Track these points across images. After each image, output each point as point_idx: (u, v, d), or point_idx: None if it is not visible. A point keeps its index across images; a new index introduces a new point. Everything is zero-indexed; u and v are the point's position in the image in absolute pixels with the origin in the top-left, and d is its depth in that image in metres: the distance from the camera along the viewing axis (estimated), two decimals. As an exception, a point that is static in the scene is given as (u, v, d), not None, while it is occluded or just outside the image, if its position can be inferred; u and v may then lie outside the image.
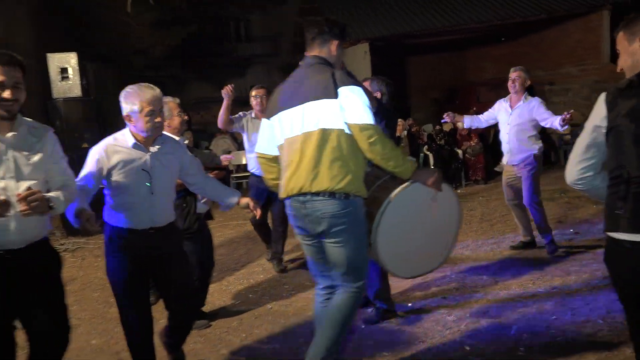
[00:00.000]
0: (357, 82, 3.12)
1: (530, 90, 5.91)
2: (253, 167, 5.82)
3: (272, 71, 25.84)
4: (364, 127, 2.96)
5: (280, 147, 3.25)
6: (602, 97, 2.31)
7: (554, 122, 5.41)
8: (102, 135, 9.28)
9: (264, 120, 3.39)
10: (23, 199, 2.41)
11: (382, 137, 2.99)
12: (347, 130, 3.01)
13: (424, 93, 17.71)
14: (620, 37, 2.40)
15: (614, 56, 13.24)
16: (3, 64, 2.56)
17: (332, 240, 3.07)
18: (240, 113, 5.97)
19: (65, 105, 8.14)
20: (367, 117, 2.97)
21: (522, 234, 6.06)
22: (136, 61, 14.75)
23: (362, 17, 15.22)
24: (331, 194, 2.98)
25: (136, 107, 3.12)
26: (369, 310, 4.49)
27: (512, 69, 5.82)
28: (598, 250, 5.49)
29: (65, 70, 8.07)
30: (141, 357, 3.38)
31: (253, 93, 5.83)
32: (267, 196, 5.43)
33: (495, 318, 4.27)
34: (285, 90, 3.28)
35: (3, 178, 2.61)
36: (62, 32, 10.70)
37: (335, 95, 3.00)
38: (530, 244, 5.99)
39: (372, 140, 2.95)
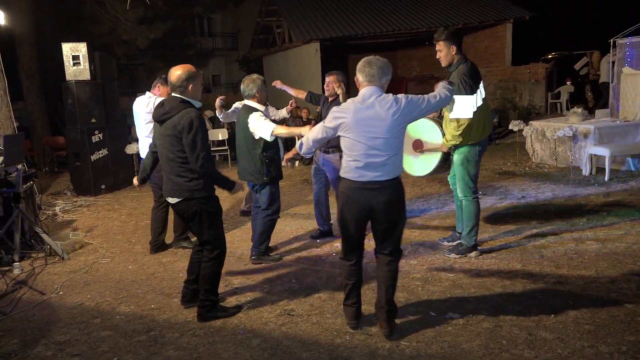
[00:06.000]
0: None
1: None
2: None
3: (231, 64, 25.97)
4: None
5: None
6: None
7: None
8: (106, 113, 9.49)
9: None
10: None
11: None
12: None
13: (362, 85, 18.57)
14: None
15: (515, 60, 14.56)
16: None
17: None
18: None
19: (77, 86, 8.44)
20: None
21: None
22: (118, 51, 14.88)
23: (314, 21, 15.89)
24: None
25: None
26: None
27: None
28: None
29: (77, 57, 8.37)
30: None
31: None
32: None
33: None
34: None
35: None
36: (68, 25, 10.83)
37: None
38: None
39: None
